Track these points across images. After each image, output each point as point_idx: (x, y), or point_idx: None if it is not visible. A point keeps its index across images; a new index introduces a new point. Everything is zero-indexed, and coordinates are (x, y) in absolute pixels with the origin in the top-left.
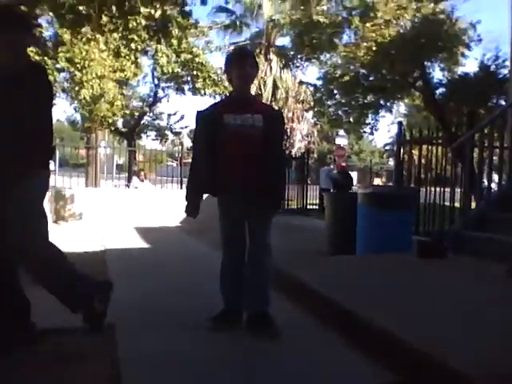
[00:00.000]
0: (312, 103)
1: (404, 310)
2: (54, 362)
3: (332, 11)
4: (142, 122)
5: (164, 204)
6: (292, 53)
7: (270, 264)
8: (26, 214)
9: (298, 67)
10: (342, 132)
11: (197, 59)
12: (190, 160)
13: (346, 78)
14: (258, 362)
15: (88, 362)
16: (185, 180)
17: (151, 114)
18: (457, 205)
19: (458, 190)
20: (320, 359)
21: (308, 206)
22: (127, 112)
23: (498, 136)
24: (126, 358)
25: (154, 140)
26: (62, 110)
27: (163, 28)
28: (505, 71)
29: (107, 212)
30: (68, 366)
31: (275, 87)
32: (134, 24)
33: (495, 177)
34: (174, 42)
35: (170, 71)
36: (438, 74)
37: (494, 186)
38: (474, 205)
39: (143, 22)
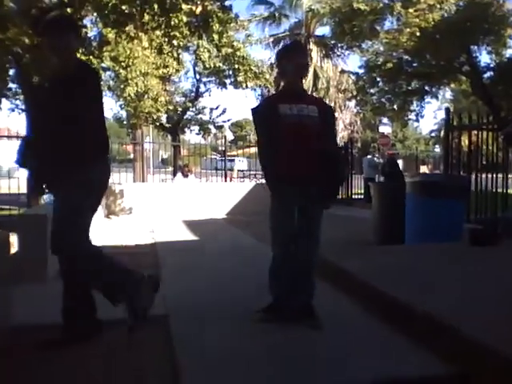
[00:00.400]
0: (354, 92)
1: (457, 299)
2: (117, 350)
3: None
4: (185, 117)
5: (209, 197)
6: (332, 42)
7: (316, 257)
8: (75, 209)
9: (338, 56)
10: (385, 120)
11: (238, 53)
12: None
13: (389, 65)
14: (304, 351)
15: (145, 352)
16: (229, 172)
17: (194, 109)
18: (510, 191)
19: (511, 176)
20: (367, 347)
21: (353, 196)
22: (170, 108)
23: None
24: (180, 349)
25: (197, 134)
26: (109, 107)
27: (204, 23)
28: None
29: (155, 206)
30: (129, 354)
31: (316, 77)
32: (176, 21)
33: None
34: (215, 36)
35: (212, 66)
36: (485, 57)
37: None
38: None
39: (184, 19)
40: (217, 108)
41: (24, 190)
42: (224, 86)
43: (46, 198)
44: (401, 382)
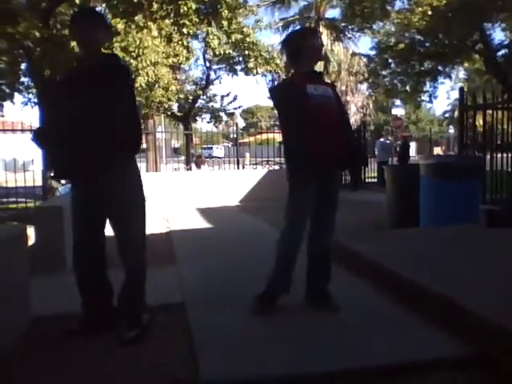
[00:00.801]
0: (366, 74)
1: (473, 281)
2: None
3: None
4: (196, 105)
5: (222, 184)
6: (343, 24)
7: (332, 242)
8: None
9: (349, 39)
10: (398, 102)
11: (248, 39)
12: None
13: (401, 45)
14: (321, 334)
15: (165, 339)
16: (241, 160)
17: (205, 97)
18: None
19: None
20: (384, 330)
21: (366, 180)
22: (181, 96)
23: None
24: (197, 335)
25: (208, 122)
26: None
27: (213, 10)
28: None
29: (169, 195)
30: (148, 341)
31: (327, 60)
32: (185, 9)
33: None
34: (225, 23)
35: (222, 53)
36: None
37: None
38: None
39: (193, 6)
40: (228, 95)
41: (39, 182)
42: (234, 72)
43: (62, 189)
44: (417, 363)
